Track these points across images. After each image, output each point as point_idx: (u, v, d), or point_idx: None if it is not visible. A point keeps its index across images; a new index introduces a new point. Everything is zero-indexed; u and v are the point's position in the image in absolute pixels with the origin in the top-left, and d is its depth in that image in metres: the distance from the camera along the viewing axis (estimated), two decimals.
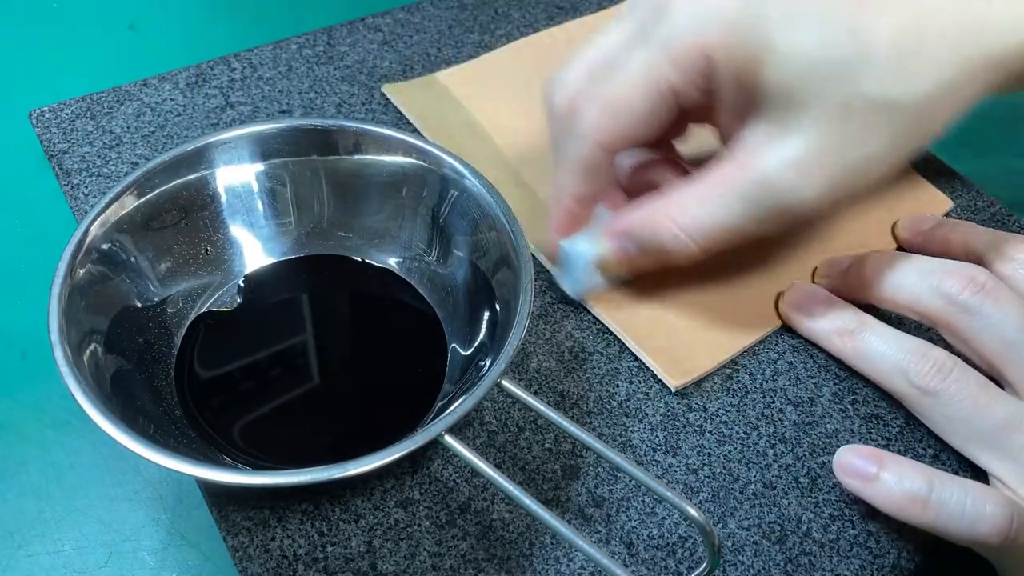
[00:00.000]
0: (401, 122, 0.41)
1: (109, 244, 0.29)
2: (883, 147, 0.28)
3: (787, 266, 0.37)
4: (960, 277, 0.30)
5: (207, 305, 0.32)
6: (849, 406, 0.33)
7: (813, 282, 0.36)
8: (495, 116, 0.41)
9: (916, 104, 0.27)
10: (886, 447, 0.32)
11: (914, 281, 0.31)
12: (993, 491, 0.28)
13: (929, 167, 0.42)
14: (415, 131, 0.41)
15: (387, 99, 0.42)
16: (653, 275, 0.35)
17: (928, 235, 0.36)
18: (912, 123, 0.28)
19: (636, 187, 0.34)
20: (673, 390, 0.32)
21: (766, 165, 0.28)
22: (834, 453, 0.30)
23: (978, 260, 0.32)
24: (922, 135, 0.28)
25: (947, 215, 0.40)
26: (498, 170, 0.39)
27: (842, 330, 0.33)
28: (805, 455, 0.31)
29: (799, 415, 0.32)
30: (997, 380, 0.30)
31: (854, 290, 0.34)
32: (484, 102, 0.42)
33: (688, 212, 0.30)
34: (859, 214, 0.39)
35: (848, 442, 0.32)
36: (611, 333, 0.34)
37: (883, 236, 0.38)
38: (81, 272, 0.28)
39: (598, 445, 0.25)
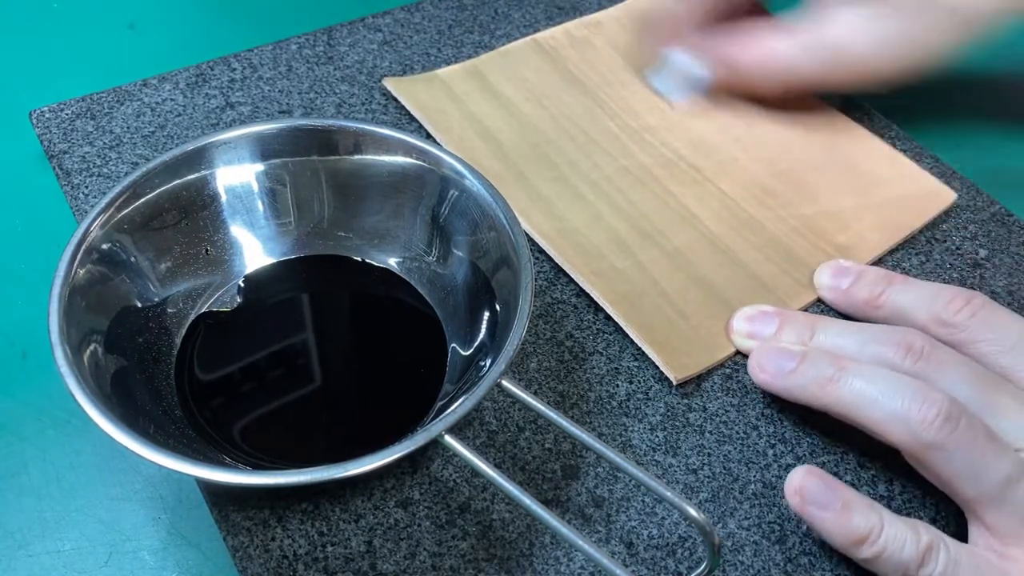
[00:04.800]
0: (402, 120, 0.41)
1: (109, 244, 0.29)
2: (929, 40, 0.38)
3: (791, 264, 0.37)
4: (896, 346, 0.29)
5: (207, 305, 0.32)
6: None
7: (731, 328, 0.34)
8: (496, 111, 0.42)
9: (970, 14, 0.37)
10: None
11: (852, 355, 0.30)
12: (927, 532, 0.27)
13: (929, 166, 0.42)
14: (416, 126, 0.41)
15: (387, 99, 0.42)
16: (659, 267, 0.36)
17: (850, 295, 0.34)
18: (960, 28, 0.38)
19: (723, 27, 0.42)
20: (674, 383, 0.32)
21: (837, 28, 0.39)
22: (834, 453, 0.30)
23: (913, 325, 0.32)
24: (963, 38, 0.38)
25: (950, 210, 0.40)
26: (499, 164, 0.39)
27: (820, 380, 0.30)
28: (805, 455, 0.31)
29: (799, 415, 0.32)
30: None
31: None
32: (485, 98, 0.42)
33: (777, 49, 0.39)
34: (865, 209, 0.39)
35: (847, 442, 0.32)
36: (611, 333, 0.34)
37: (885, 227, 0.38)
38: (81, 272, 0.28)
39: (598, 445, 0.25)
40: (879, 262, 0.38)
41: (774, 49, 0.39)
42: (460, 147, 0.39)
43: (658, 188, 0.39)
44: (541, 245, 0.36)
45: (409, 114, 0.41)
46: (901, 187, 0.40)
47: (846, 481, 0.31)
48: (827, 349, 0.31)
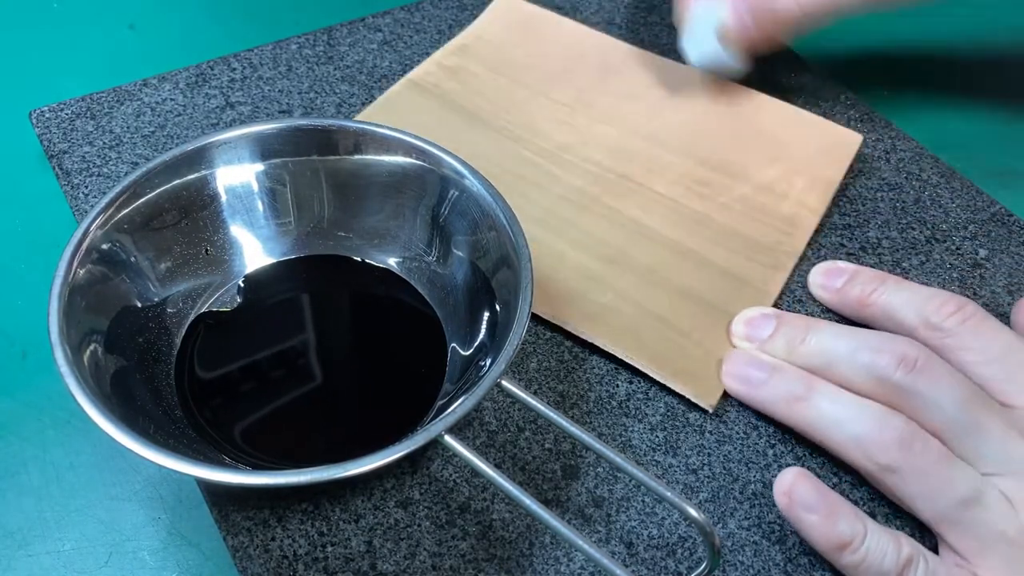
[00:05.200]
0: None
1: (109, 244, 0.29)
2: None
3: (752, 249, 0.37)
4: (892, 356, 0.29)
5: (207, 305, 0.32)
6: None
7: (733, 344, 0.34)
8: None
9: None
10: None
11: (843, 361, 0.30)
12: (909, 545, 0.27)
13: (929, 166, 0.42)
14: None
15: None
16: (639, 291, 0.35)
17: (843, 294, 0.34)
18: None
19: None
20: (710, 411, 0.32)
21: None
22: (833, 454, 0.30)
23: (901, 327, 0.32)
24: None
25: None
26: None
27: (788, 396, 0.30)
28: (805, 455, 0.31)
29: None
30: None
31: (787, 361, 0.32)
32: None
33: None
34: (793, 173, 0.40)
35: None
36: None
37: (816, 186, 0.40)
38: (81, 272, 0.28)
39: (598, 445, 0.25)
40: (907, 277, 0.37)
41: None
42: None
43: (600, 208, 0.38)
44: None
45: None
46: (816, 142, 0.41)
47: (844, 482, 0.31)
48: (818, 353, 0.31)
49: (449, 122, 0.41)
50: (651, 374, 0.32)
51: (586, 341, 0.33)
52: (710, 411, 0.32)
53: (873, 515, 0.30)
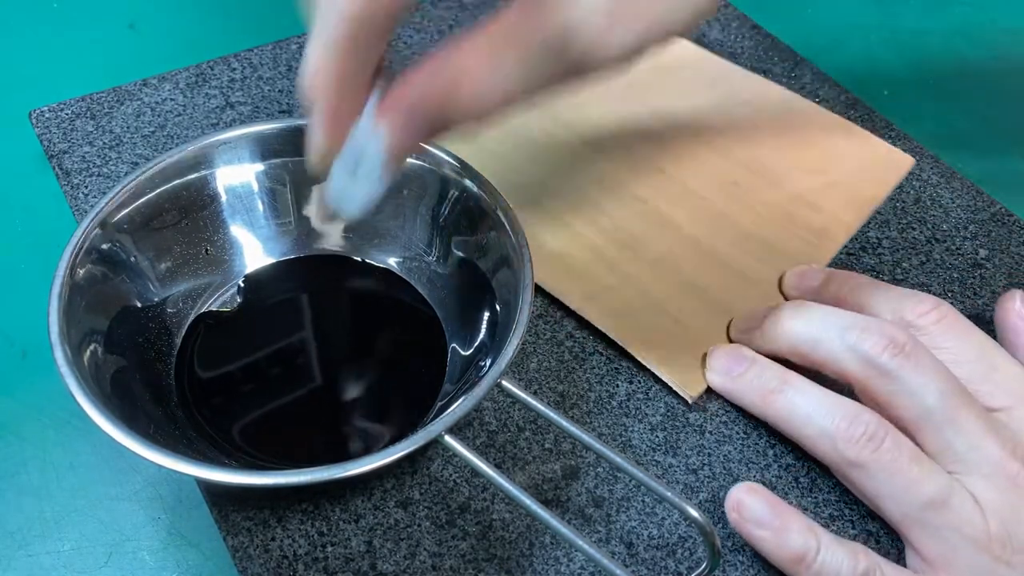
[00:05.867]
0: None
1: (109, 244, 0.29)
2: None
3: (771, 255, 0.37)
4: (880, 336, 0.28)
5: (207, 305, 0.32)
6: None
7: (730, 339, 0.34)
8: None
9: None
10: None
11: (831, 338, 0.29)
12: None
13: (929, 166, 0.42)
14: None
15: None
16: (646, 278, 0.35)
17: (818, 294, 0.34)
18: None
19: None
20: (690, 402, 0.32)
21: (571, 11, 0.22)
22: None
23: None
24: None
25: (911, 174, 0.40)
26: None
27: (763, 389, 0.30)
28: (805, 455, 0.31)
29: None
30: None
31: (771, 344, 0.32)
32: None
33: (484, 66, 0.23)
34: (831, 186, 0.39)
35: None
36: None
37: (853, 203, 0.38)
38: (81, 272, 0.28)
39: (598, 445, 0.25)
40: (905, 279, 0.37)
41: (480, 65, 0.23)
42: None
43: (627, 195, 0.38)
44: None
45: None
46: (861, 159, 0.40)
47: (843, 484, 0.31)
48: (806, 329, 0.30)
49: None
50: (637, 357, 0.33)
51: (586, 340, 0.34)
52: (690, 402, 0.32)
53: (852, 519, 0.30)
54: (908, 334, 0.29)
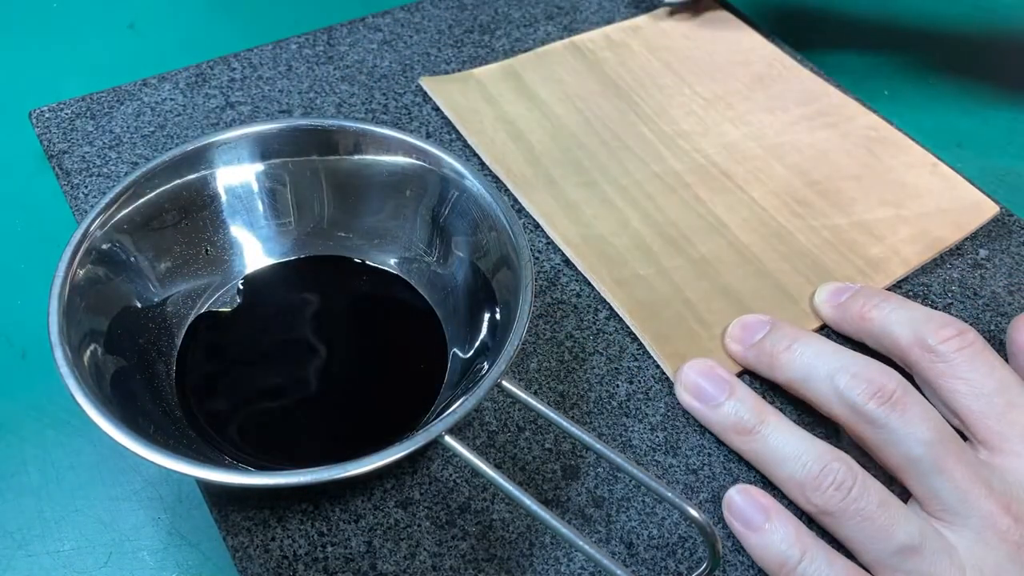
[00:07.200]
0: (401, 119, 0.41)
1: (109, 244, 0.29)
2: None
3: (819, 277, 0.36)
4: (869, 384, 0.28)
5: (207, 305, 0.32)
6: None
7: (724, 346, 0.33)
8: (529, 113, 0.42)
9: None
10: None
11: (821, 378, 0.29)
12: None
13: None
14: (445, 122, 0.41)
15: (387, 98, 0.42)
16: (683, 274, 0.35)
17: (844, 308, 0.33)
18: None
19: None
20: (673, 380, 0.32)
21: None
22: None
23: (895, 345, 0.31)
24: None
25: (992, 224, 0.39)
26: (529, 168, 0.39)
27: (739, 427, 0.30)
28: None
29: (799, 415, 0.32)
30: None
31: (768, 372, 0.32)
32: (519, 98, 0.42)
33: None
34: (901, 221, 0.38)
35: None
36: (611, 333, 0.34)
37: (920, 240, 0.38)
38: (81, 272, 0.28)
39: (598, 445, 0.25)
40: (907, 279, 0.37)
41: None
42: (491, 149, 0.40)
43: (687, 195, 0.39)
44: (564, 252, 0.36)
45: (408, 114, 0.41)
46: (941, 199, 0.39)
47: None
48: (798, 366, 0.30)
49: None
50: (647, 346, 0.33)
51: (586, 340, 0.34)
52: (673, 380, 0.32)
53: None
54: (898, 380, 0.28)
